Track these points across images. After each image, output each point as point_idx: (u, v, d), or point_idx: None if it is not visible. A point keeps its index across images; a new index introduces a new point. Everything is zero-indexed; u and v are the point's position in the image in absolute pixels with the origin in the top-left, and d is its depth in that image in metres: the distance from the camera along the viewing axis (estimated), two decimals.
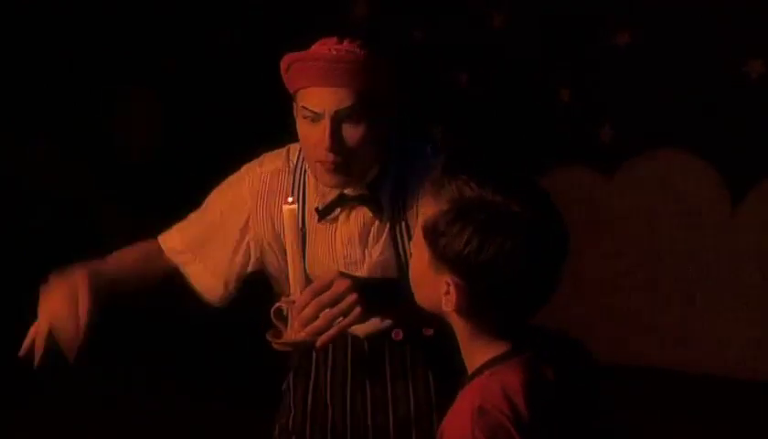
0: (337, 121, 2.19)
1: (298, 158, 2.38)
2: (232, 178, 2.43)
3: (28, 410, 4.64)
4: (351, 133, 2.21)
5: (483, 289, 1.60)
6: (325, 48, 2.22)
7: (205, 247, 2.42)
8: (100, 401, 4.69)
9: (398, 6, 5.79)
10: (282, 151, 2.42)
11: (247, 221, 2.38)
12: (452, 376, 1.94)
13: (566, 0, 5.47)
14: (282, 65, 2.25)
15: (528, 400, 1.58)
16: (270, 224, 2.36)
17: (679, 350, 5.43)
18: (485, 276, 1.59)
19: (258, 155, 2.45)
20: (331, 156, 2.20)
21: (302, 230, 2.30)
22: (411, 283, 1.74)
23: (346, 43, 2.22)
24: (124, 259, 2.46)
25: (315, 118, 2.21)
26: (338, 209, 2.31)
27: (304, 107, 2.22)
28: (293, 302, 2.13)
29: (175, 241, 2.45)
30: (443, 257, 1.61)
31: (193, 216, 2.46)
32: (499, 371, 1.62)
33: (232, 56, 5.96)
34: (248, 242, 2.40)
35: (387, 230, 2.32)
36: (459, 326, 1.66)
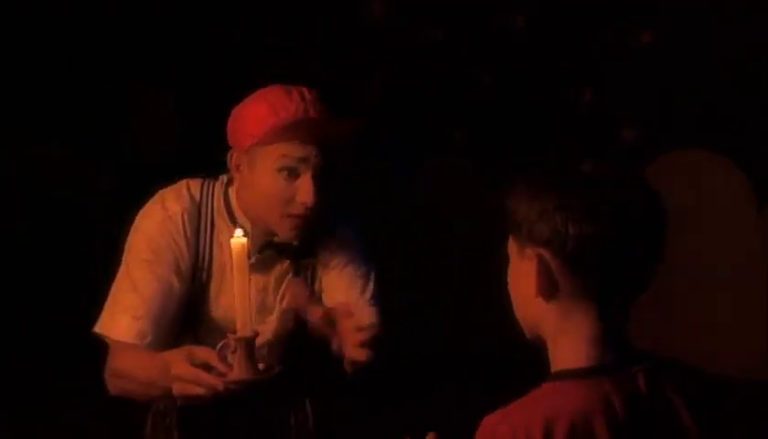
0: (315, 176, 2.22)
1: (201, 195, 2.36)
2: (146, 238, 2.32)
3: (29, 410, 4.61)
4: (325, 188, 2.24)
5: (574, 265, 1.46)
6: (293, 104, 2.25)
7: (163, 311, 2.31)
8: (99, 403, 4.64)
9: (416, 6, 5.79)
10: (182, 188, 2.38)
11: (177, 263, 2.31)
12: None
13: None
14: (254, 130, 2.25)
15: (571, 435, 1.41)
16: (192, 261, 2.30)
17: (702, 350, 5.39)
18: (577, 252, 1.45)
19: None
20: (307, 212, 2.22)
21: (206, 270, 2.31)
22: (513, 299, 1.59)
23: (318, 104, 2.27)
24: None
25: (293, 172, 2.22)
26: (256, 257, 2.30)
27: (283, 155, 2.22)
28: (244, 338, 2.06)
29: (139, 327, 2.29)
30: (530, 237, 1.49)
31: (130, 296, 2.30)
32: (560, 390, 1.47)
33: (247, 57, 5.95)
34: (185, 280, 2.33)
35: (291, 276, 2.36)
36: (548, 320, 1.51)
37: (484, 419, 1.46)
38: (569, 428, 1.40)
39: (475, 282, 5.68)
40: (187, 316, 2.31)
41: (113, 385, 2.34)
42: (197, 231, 2.33)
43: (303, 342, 2.40)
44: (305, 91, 2.30)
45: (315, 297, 2.35)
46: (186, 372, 2.10)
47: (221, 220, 2.33)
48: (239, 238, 2.06)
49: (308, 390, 2.49)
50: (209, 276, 2.33)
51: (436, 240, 5.73)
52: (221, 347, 2.10)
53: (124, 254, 2.35)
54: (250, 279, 2.13)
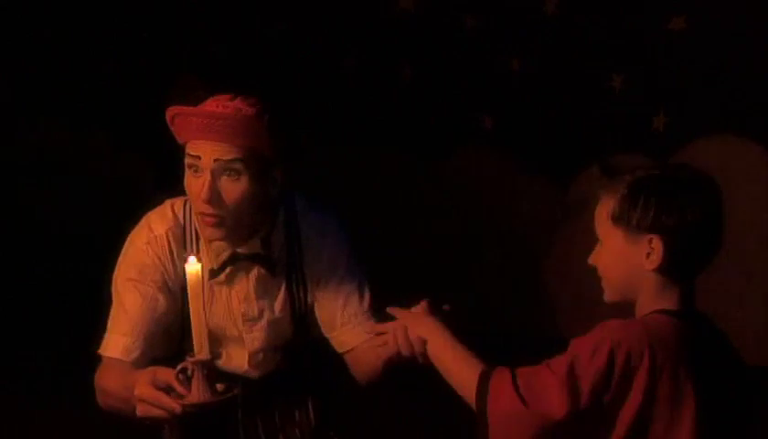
0: (217, 173, 2.23)
1: (184, 214, 2.41)
2: (133, 259, 2.41)
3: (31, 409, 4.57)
4: (231, 187, 2.24)
5: (677, 242, 1.93)
6: (214, 104, 2.28)
7: (150, 326, 2.38)
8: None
9: None
10: (166, 209, 2.44)
11: (164, 280, 2.39)
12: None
13: None
14: (167, 116, 2.28)
15: (672, 351, 1.89)
16: (181, 277, 2.33)
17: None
18: (678, 230, 1.92)
19: None
20: (209, 209, 2.24)
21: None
22: (604, 274, 2.04)
23: (237, 101, 2.29)
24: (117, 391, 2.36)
25: (197, 169, 2.25)
26: (230, 268, 2.35)
27: (187, 153, 2.27)
28: (200, 361, 2.08)
29: (125, 343, 2.38)
30: (640, 227, 1.94)
31: (119, 315, 2.39)
32: (656, 319, 1.94)
33: (285, 48, 5.99)
34: (172, 294, 2.40)
35: (283, 285, 2.39)
36: (647, 285, 1.97)
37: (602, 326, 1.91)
38: (665, 351, 1.87)
39: (510, 266, 5.71)
40: (184, 329, 2.31)
41: (100, 401, 2.42)
42: (182, 249, 2.39)
43: (303, 345, 2.48)
44: (241, 96, 2.32)
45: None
46: (147, 394, 2.15)
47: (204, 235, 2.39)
48: (192, 265, 2.09)
49: (310, 390, 2.56)
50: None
51: (466, 226, 5.75)
52: (180, 369, 2.12)
53: (113, 276, 2.44)
54: (204, 303, 2.20)
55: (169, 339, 2.40)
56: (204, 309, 2.14)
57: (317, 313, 2.45)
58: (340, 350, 2.44)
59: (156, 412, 2.15)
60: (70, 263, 5.84)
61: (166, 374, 2.15)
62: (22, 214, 6.22)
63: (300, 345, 2.47)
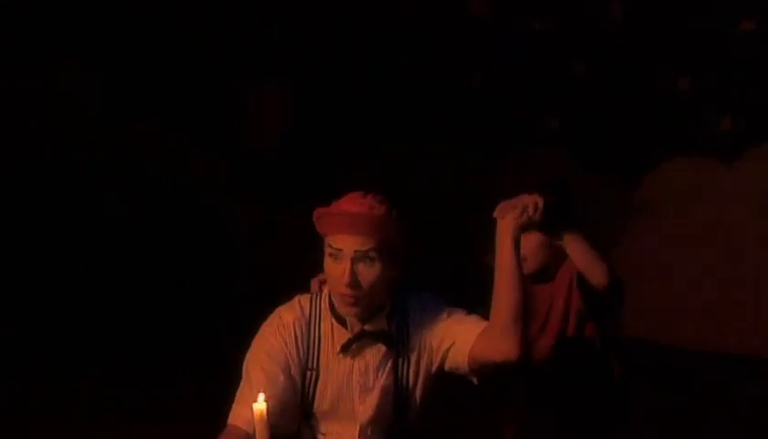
0: (355, 261, 2.66)
1: (311, 309, 2.80)
2: (263, 343, 2.78)
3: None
4: (367, 272, 2.68)
5: None
6: (350, 202, 2.69)
7: (270, 402, 2.65)
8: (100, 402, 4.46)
9: None
10: (294, 303, 2.81)
11: (287, 362, 2.74)
12: None
13: None
14: (315, 215, 2.71)
15: None
16: (303, 363, 2.75)
17: None
18: None
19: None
20: (350, 291, 2.66)
21: (315, 369, 2.78)
22: None
23: (368, 198, 2.68)
24: None
25: (337, 257, 2.66)
26: (356, 344, 2.73)
27: (329, 245, 2.66)
28: None
29: (247, 415, 2.70)
30: None
31: (245, 388, 2.76)
32: None
33: (360, 53, 6.08)
34: (292, 376, 2.75)
35: (391, 359, 2.77)
36: None
37: None
38: None
39: None
40: (303, 408, 2.75)
41: None
42: (306, 337, 2.80)
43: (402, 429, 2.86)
44: (370, 195, 2.72)
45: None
46: None
47: (326, 323, 2.79)
48: (259, 404, 2.45)
49: None
50: (318, 375, 2.78)
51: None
52: None
53: (246, 357, 2.80)
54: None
55: (289, 417, 2.75)
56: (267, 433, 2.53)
57: (453, 360, 2.76)
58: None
59: None
60: (154, 261, 5.98)
61: None
62: (100, 214, 6.34)
63: (399, 427, 2.81)
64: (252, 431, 2.63)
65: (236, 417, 2.78)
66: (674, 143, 5.52)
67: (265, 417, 2.49)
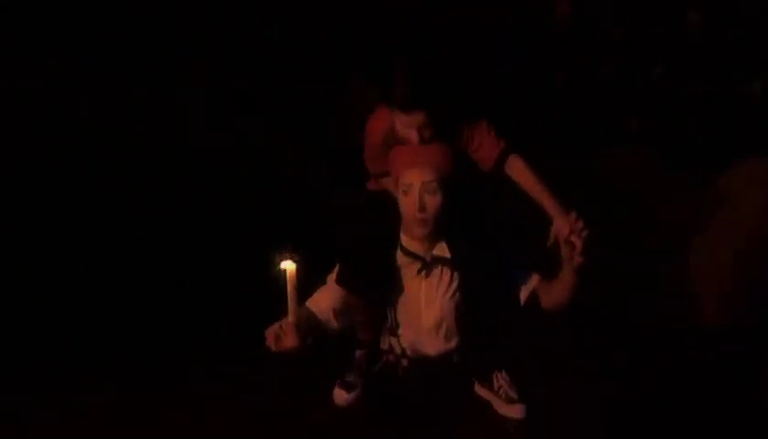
0: (422, 192, 3.45)
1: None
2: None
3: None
4: (431, 200, 3.46)
5: None
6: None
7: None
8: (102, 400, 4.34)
9: (600, 4, 6.05)
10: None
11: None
12: None
13: None
14: (390, 158, 3.61)
15: None
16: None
17: None
18: None
19: None
20: (420, 215, 3.43)
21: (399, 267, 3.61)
22: None
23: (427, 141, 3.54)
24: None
25: (408, 191, 3.47)
26: (423, 264, 3.56)
27: (402, 182, 3.52)
28: (288, 322, 3.38)
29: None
30: None
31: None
32: None
33: (445, 52, 6.27)
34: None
35: (455, 279, 3.55)
36: None
37: None
38: None
39: (658, 262, 5.71)
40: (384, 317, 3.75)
41: None
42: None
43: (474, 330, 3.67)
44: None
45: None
46: (271, 329, 3.46)
47: (401, 258, 3.73)
48: (288, 264, 3.19)
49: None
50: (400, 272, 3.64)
51: (615, 226, 5.85)
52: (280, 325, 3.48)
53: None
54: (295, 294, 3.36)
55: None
56: (296, 290, 3.29)
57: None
58: None
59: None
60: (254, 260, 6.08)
61: (285, 324, 3.35)
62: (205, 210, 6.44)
63: (471, 329, 3.69)
64: (324, 319, 3.61)
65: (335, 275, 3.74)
66: (748, 147, 5.62)
67: (294, 277, 3.23)
